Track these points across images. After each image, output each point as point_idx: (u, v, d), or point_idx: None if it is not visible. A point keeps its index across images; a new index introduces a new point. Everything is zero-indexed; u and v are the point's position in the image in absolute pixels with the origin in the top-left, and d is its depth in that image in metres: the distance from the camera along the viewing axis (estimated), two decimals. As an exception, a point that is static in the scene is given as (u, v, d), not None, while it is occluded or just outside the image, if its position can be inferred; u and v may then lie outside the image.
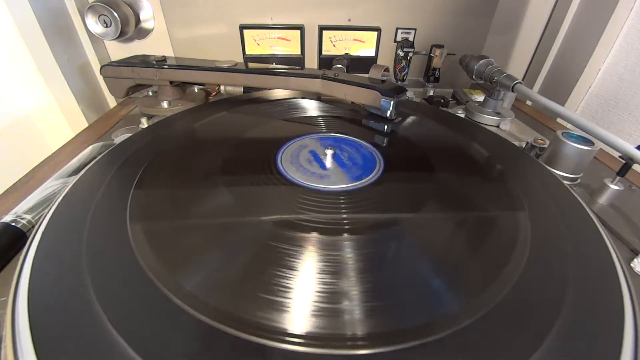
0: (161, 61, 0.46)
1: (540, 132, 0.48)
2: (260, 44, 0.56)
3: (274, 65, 0.54)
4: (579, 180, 0.36)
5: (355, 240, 0.23)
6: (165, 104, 0.47)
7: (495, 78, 0.46)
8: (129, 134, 0.39)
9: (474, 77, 0.51)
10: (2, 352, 0.16)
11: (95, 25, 0.48)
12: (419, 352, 0.16)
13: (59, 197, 0.25)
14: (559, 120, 0.55)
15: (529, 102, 0.61)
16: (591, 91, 0.58)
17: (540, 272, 0.21)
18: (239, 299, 0.18)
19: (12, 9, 0.44)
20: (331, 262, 0.21)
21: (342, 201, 0.27)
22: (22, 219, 0.26)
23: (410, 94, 0.57)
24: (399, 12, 0.58)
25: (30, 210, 0.27)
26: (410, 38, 0.60)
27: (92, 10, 0.47)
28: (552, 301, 0.19)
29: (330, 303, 0.18)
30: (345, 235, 0.23)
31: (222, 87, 0.53)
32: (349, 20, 0.57)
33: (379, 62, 0.60)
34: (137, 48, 0.56)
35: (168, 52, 0.56)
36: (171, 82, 0.47)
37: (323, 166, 0.31)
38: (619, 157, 0.32)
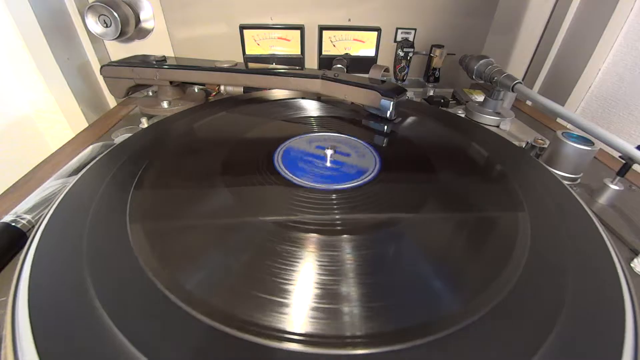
0: (161, 61, 0.46)
1: (540, 132, 0.48)
2: (260, 44, 0.56)
3: (274, 65, 0.54)
4: (579, 180, 0.36)
5: (354, 240, 0.23)
6: (165, 104, 0.47)
7: (495, 78, 0.46)
8: (129, 134, 0.39)
9: (474, 77, 0.51)
10: (2, 352, 0.16)
11: (95, 25, 0.48)
12: (419, 352, 0.16)
13: (59, 197, 0.25)
14: (559, 120, 0.55)
15: (529, 102, 0.61)
16: (591, 91, 0.58)
17: (540, 272, 0.21)
18: (239, 298, 0.18)
19: (12, 9, 0.44)
20: (330, 261, 0.21)
21: (342, 201, 0.27)
22: (22, 219, 0.26)
23: (410, 94, 0.57)
24: (399, 12, 0.58)
25: (30, 210, 0.27)
26: (410, 38, 0.60)
27: (92, 10, 0.47)
28: (552, 301, 0.19)
29: (329, 303, 0.18)
30: (344, 235, 0.23)
31: (222, 87, 0.54)
32: (349, 20, 0.57)
33: (379, 62, 0.60)
34: (137, 48, 0.56)
35: (168, 52, 0.56)
36: (171, 82, 0.47)
37: (323, 166, 0.31)
38: (619, 157, 0.32)
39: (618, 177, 0.33)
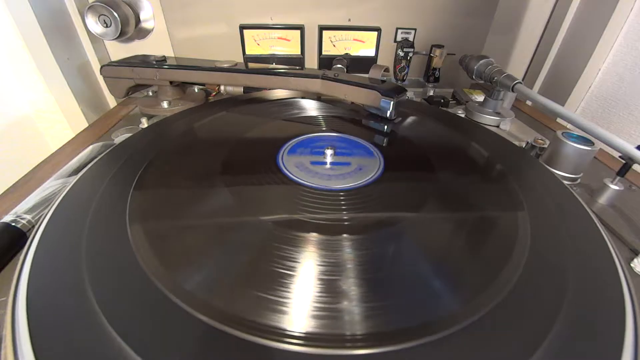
0: (161, 61, 0.46)
1: (540, 132, 0.48)
2: (260, 44, 0.56)
3: (274, 65, 0.54)
4: (579, 180, 0.36)
5: (355, 239, 0.23)
6: (165, 104, 0.47)
7: (495, 78, 0.46)
8: (129, 134, 0.39)
9: (474, 77, 0.51)
10: (2, 352, 0.16)
11: (95, 25, 0.48)
12: (419, 352, 0.16)
13: (58, 197, 0.25)
14: (559, 120, 0.55)
15: (529, 102, 0.61)
16: (591, 91, 0.58)
17: (540, 272, 0.21)
18: (239, 298, 0.18)
19: (12, 9, 0.44)
20: (331, 261, 0.21)
21: (342, 200, 0.27)
22: (22, 219, 0.26)
23: (410, 94, 0.57)
24: (399, 12, 0.58)
25: (30, 210, 0.27)
26: (410, 38, 0.60)
27: (92, 10, 0.47)
28: (552, 301, 0.19)
29: (330, 303, 0.18)
30: (345, 234, 0.23)
31: (222, 87, 0.54)
32: (349, 20, 0.57)
33: (379, 62, 0.60)
34: (137, 48, 0.56)
35: (168, 52, 0.56)
36: (171, 82, 0.47)
37: (322, 166, 0.31)
38: (619, 157, 0.32)
39: (618, 177, 0.33)
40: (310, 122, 0.40)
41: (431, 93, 0.59)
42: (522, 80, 0.48)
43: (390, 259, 0.22)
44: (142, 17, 0.53)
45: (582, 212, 0.27)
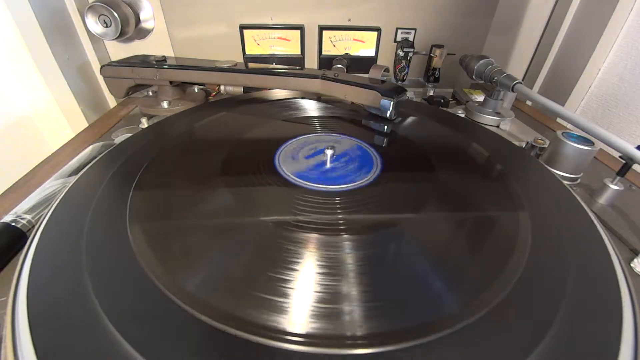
0: (161, 61, 0.46)
1: (540, 132, 0.48)
2: (260, 44, 0.56)
3: (274, 65, 0.54)
4: (579, 180, 0.36)
5: (354, 240, 0.23)
6: (165, 104, 0.47)
7: (495, 78, 0.46)
8: (129, 134, 0.39)
9: (474, 77, 0.51)
10: (2, 352, 0.16)
11: (95, 25, 0.48)
12: (419, 352, 0.16)
13: (58, 197, 0.25)
14: (559, 120, 0.55)
15: (529, 102, 0.61)
16: (591, 91, 0.58)
17: (540, 272, 0.21)
18: (239, 298, 0.18)
19: (12, 9, 0.44)
20: (330, 262, 0.21)
21: (341, 201, 0.27)
22: (22, 219, 0.26)
23: (410, 94, 0.57)
24: (399, 12, 0.58)
25: (30, 210, 0.27)
26: (410, 38, 0.60)
27: (92, 10, 0.47)
28: (552, 301, 0.19)
29: (329, 303, 0.18)
30: (344, 235, 0.23)
31: (222, 87, 0.53)
32: (349, 20, 0.57)
33: (379, 62, 0.60)
34: (137, 48, 0.56)
35: (168, 52, 0.56)
36: (171, 82, 0.47)
37: (322, 166, 0.31)
38: (619, 157, 0.32)
39: (618, 177, 0.33)
40: (310, 122, 0.40)
41: (431, 93, 0.59)
42: (522, 80, 0.48)
43: (391, 260, 0.22)
44: (142, 17, 0.53)
45: (582, 212, 0.27)
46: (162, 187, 0.28)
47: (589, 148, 0.34)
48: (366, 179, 0.30)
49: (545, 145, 0.40)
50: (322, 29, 0.56)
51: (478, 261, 0.22)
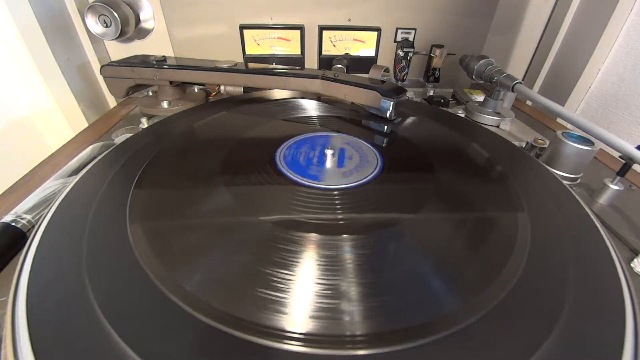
0: (161, 61, 0.46)
1: (540, 132, 0.48)
2: (260, 44, 0.56)
3: (274, 66, 0.54)
4: (579, 180, 0.36)
5: (354, 239, 0.23)
6: (165, 104, 0.47)
7: (495, 78, 0.46)
8: (129, 134, 0.39)
9: (474, 77, 0.51)
10: (2, 352, 0.16)
11: (95, 25, 0.48)
12: (419, 352, 0.16)
13: (59, 197, 0.25)
14: (559, 120, 0.55)
15: (529, 102, 0.61)
16: (591, 91, 0.58)
17: (540, 272, 0.21)
18: (239, 299, 0.18)
19: (12, 9, 0.44)
20: (329, 261, 0.21)
21: (342, 200, 0.27)
22: (22, 219, 0.26)
23: (410, 94, 0.57)
24: (399, 12, 0.58)
25: (30, 210, 0.27)
26: (410, 38, 0.60)
27: (92, 10, 0.47)
28: (552, 301, 0.19)
29: (329, 303, 0.18)
30: (345, 234, 0.23)
31: (222, 87, 0.53)
32: (349, 20, 0.57)
33: (379, 62, 0.60)
34: (137, 48, 0.56)
35: (168, 52, 0.56)
36: (171, 82, 0.47)
37: (322, 166, 0.31)
38: (619, 157, 0.32)
39: (618, 177, 0.33)
40: (310, 122, 0.40)
41: (431, 93, 0.59)
42: (522, 80, 0.48)
43: (391, 259, 0.22)
44: (142, 17, 0.53)
45: (582, 212, 0.27)
46: (162, 187, 0.28)
47: (589, 148, 0.34)
48: (366, 178, 0.30)
49: (545, 145, 0.40)
50: (322, 29, 0.56)
51: (478, 261, 0.22)
